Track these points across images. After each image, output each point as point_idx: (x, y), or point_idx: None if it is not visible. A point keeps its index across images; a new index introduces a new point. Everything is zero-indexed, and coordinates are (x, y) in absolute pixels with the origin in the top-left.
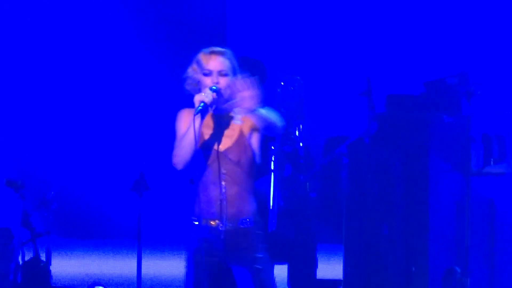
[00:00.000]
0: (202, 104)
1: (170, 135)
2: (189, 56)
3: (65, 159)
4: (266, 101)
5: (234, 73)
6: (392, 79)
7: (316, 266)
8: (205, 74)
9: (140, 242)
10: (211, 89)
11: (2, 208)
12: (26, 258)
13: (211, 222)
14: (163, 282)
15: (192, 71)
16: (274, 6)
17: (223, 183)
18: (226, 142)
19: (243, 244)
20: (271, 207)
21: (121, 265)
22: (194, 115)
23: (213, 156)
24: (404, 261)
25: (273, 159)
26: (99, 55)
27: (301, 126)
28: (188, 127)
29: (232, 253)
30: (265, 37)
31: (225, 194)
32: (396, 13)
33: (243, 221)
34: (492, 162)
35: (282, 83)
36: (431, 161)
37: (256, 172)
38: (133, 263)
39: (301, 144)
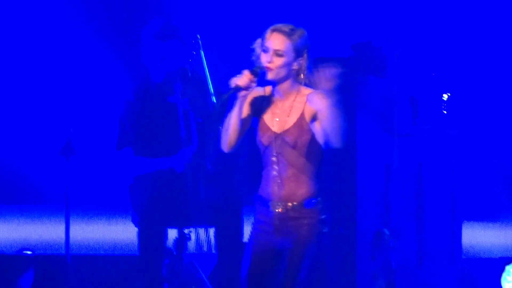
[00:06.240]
0: (235, 87)
1: (98, 100)
2: None
3: None
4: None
5: (297, 55)
6: (318, 41)
7: (242, 229)
8: (263, 51)
9: (68, 206)
10: (252, 71)
11: None
12: None
13: (269, 202)
14: (91, 246)
15: (257, 43)
16: None
17: (276, 166)
18: (285, 124)
19: (291, 228)
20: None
21: (49, 230)
22: (223, 98)
23: (270, 138)
24: (332, 223)
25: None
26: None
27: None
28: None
29: (280, 235)
30: None
31: (279, 176)
32: None
33: (294, 205)
34: (418, 124)
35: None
36: (358, 122)
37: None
38: (61, 227)
39: None
